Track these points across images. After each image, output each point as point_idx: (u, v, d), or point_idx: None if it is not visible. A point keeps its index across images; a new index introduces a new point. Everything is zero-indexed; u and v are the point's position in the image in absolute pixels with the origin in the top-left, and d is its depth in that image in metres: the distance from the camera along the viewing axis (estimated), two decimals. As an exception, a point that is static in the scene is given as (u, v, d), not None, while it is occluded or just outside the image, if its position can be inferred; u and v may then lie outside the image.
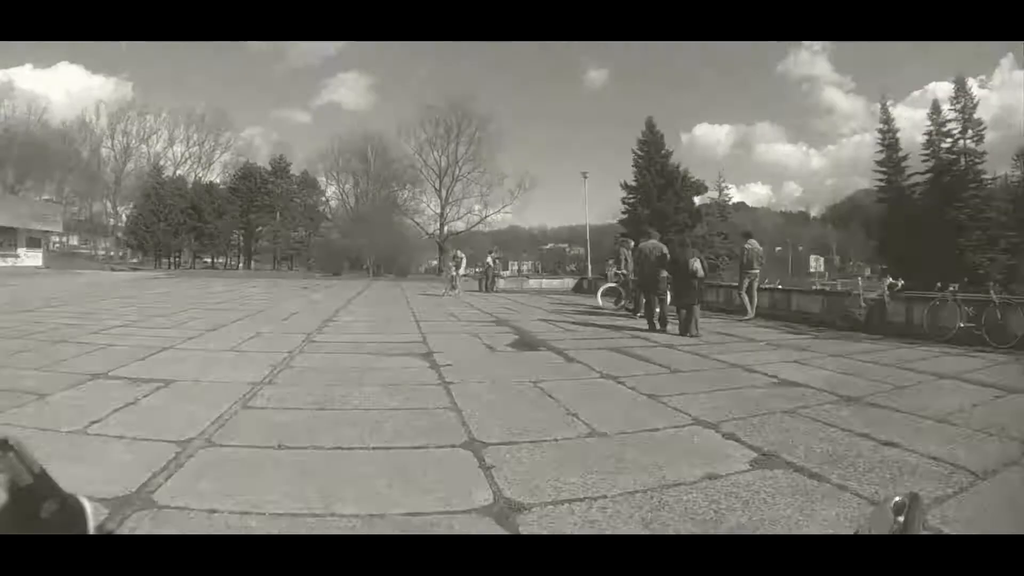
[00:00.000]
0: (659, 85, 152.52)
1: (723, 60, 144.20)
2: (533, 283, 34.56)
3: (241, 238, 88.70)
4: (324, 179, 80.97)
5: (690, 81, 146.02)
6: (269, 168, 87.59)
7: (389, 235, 65.39)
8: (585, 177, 39.92)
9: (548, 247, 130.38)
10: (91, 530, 0.81)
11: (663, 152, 66.58)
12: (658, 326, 13.03)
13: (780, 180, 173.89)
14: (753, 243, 17.12)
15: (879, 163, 61.89)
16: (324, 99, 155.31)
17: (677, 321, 12.64)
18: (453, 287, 25.50)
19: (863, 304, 14.69)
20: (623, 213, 67.67)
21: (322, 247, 74.01)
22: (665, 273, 13.18)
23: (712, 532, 3.08)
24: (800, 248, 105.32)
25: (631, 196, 66.90)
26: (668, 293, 13.49)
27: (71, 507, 0.78)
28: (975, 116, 56.46)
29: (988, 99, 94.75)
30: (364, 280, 49.28)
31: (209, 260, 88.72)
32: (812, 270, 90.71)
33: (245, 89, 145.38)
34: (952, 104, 57.21)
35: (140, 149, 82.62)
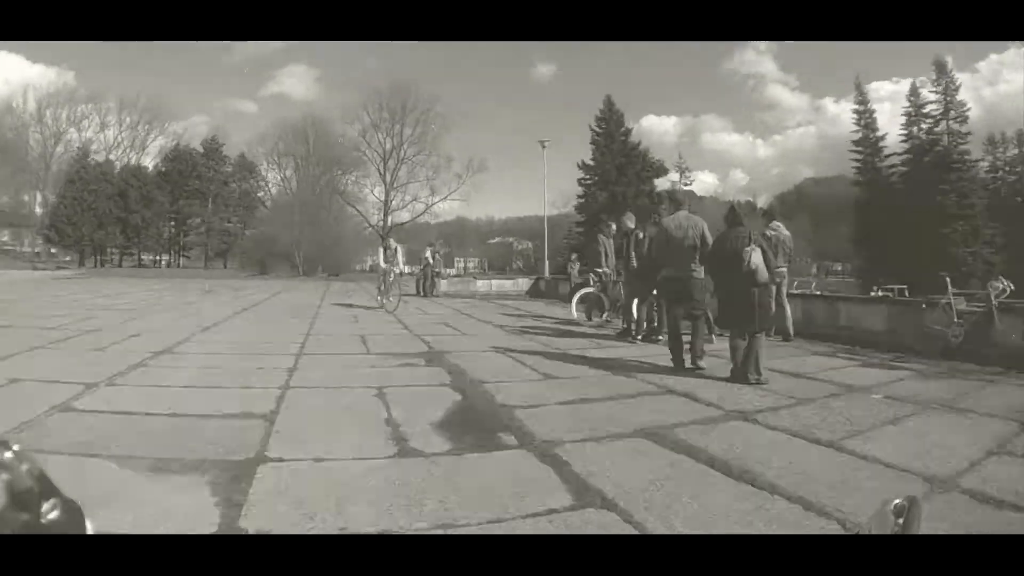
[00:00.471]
0: (606, 80, 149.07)
1: (672, 58, 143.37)
2: (482, 284, 29.47)
3: (171, 230, 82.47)
4: (265, 164, 75.19)
5: (636, 78, 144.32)
6: (201, 150, 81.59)
7: (323, 226, 59.56)
8: (544, 147, 33.68)
9: (495, 241, 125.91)
10: (89, 531, 0.78)
11: (623, 130, 62.05)
12: (688, 363, 8.24)
13: (727, 168, 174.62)
14: (779, 227, 12.40)
15: (856, 143, 59.79)
16: (271, 90, 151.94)
17: (689, 346, 8.34)
18: (387, 293, 17.34)
19: (957, 320, 9.91)
20: (579, 198, 63.07)
21: (249, 241, 68.16)
22: (699, 274, 8.48)
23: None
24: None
25: (588, 177, 62.27)
26: (702, 304, 8.70)
27: (70, 509, 0.76)
28: (958, 98, 53.95)
29: (928, 98, 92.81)
30: (287, 281, 43.97)
31: (134, 256, 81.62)
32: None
33: (192, 80, 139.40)
34: (934, 85, 54.51)
35: (70, 134, 76.17)
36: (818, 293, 14.62)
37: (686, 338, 8.37)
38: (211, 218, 77.75)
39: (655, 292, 10.64)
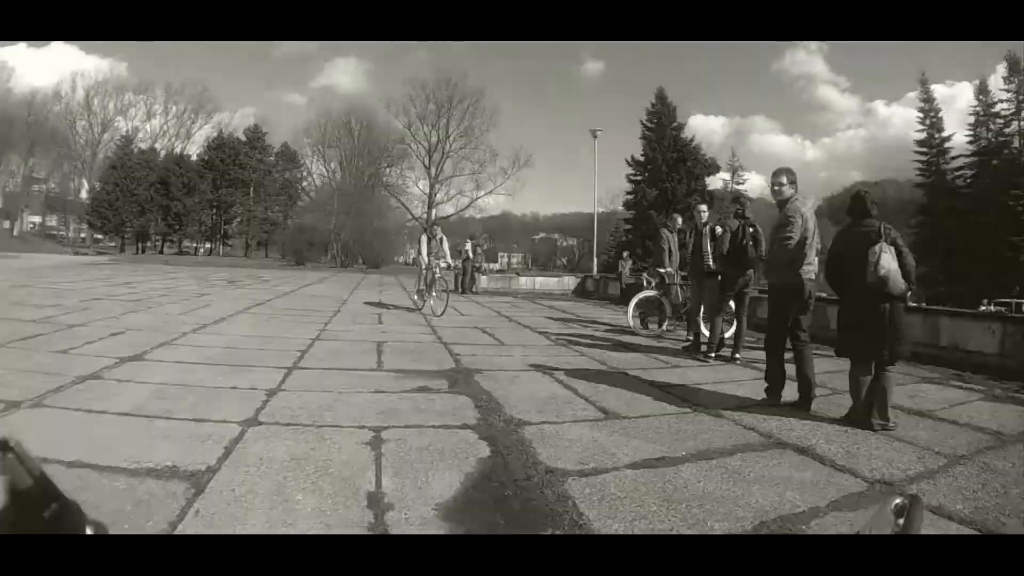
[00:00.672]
0: (654, 78, 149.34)
1: (720, 57, 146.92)
2: (524, 281, 28.12)
3: (213, 218, 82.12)
4: (310, 156, 74.83)
5: (686, 77, 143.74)
6: (244, 139, 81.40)
7: (364, 218, 58.12)
8: (596, 136, 30.90)
9: (539, 237, 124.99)
10: (88, 531, 0.80)
11: (675, 125, 59.45)
12: (799, 400, 6.31)
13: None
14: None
15: (919, 143, 56.27)
16: (320, 82, 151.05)
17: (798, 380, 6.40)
18: (429, 292, 14.34)
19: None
20: (628, 194, 60.78)
21: (288, 230, 67.18)
22: (805, 284, 6.56)
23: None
24: None
25: (637, 173, 59.96)
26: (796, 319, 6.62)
27: (70, 509, 0.77)
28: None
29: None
30: (323, 271, 42.45)
31: (175, 243, 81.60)
32: (807, 265, 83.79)
33: (241, 73, 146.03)
34: (1006, 83, 51.20)
35: (118, 123, 78.48)
36: (914, 305, 12.45)
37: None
38: (252, 207, 77.27)
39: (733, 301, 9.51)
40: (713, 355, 9.19)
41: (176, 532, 2.97)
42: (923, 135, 56.70)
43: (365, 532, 3.04)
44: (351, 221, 57.45)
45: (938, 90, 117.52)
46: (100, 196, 73.45)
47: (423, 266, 14.53)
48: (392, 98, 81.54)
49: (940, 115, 56.38)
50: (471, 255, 23.85)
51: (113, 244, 76.83)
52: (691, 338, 10.54)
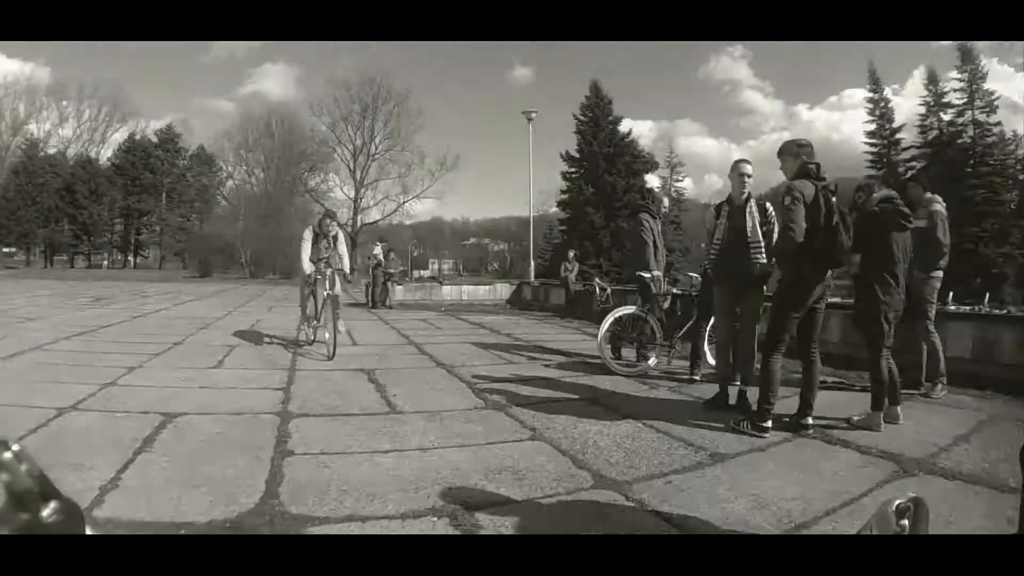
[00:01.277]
0: (584, 84, 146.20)
1: (648, 62, 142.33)
2: (449, 291, 23.28)
3: (124, 228, 76.75)
4: (232, 160, 68.54)
5: (615, 82, 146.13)
6: (156, 141, 75.83)
7: (281, 225, 53.05)
8: (530, 120, 26.12)
9: (470, 242, 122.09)
10: (88, 531, 0.80)
11: (611, 118, 55.48)
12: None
13: (701, 172, 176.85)
14: (938, 202, 7.06)
15: (869, 134, 53.78)
16: (248, 88, 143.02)
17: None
18: (317, 319, 9.70)
19: None
20: (563, 193, 56.61)
21: (194, 239, 62.06)
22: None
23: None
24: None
25: (573, 170, 55.91)
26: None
27: (69, 509, 0.76)
28: (985, 86, 48.74)
29: (901, 106, 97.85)
30: (226, 283, 37.59)
31: (87, 255, 75.31)
32: None
33: (168, 80, 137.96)
34: (959, 71, 49.17)
35: (28, 127, 70.87)
36: (975, 310, 8.62)
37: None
38: (165, 214, 71.93)
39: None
40: (769, 423, 5.13)
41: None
42: (873, 126, 54.12)
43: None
44: (261, 228, 52.43)
45: (860, 94, 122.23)
46: (1, 204, 66.44)
47: (305, 279, 9.82)
48: (316, 99, 77.08)
49: (890, 105, 54.00)
50: (382, 260, 19.39)
51: (22, 257, 72.01)
52: (696, 378, 7.47)
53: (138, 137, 76.27)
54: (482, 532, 3.26)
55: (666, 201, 9.31)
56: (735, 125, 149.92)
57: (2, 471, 0.70)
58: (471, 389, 6.70)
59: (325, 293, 9.23)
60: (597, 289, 16.59)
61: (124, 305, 17.57)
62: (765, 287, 6.04)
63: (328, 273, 9.39)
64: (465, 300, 22.26)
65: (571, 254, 20.03)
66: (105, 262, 75.29)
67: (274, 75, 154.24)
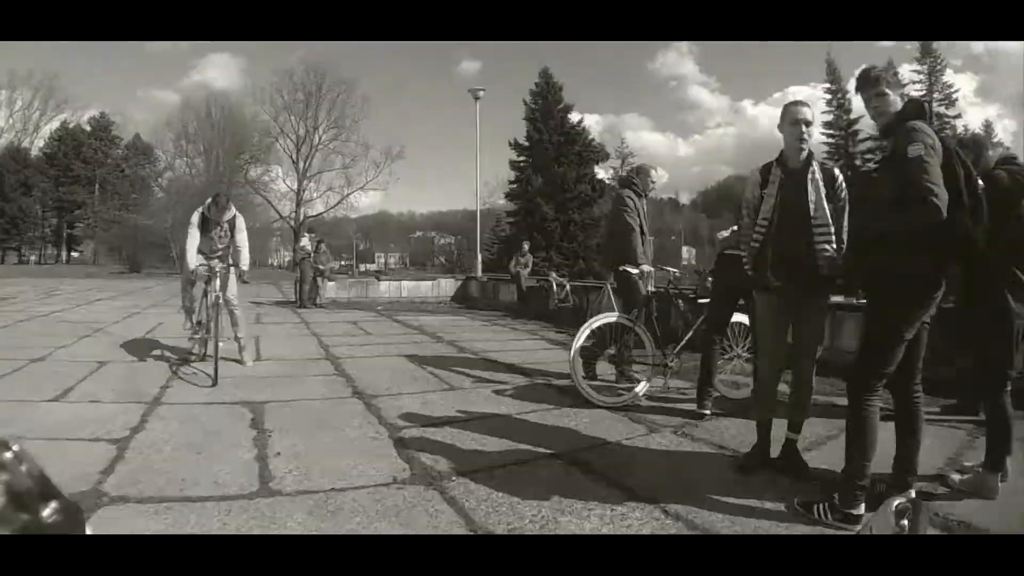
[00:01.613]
0: (531, 79, 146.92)
1: (595, 57, 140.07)
2: (387, 288, 20.57)
3: (55, 222, 72.69)
4: (172, 150, 64.88)
5: (562, 75, 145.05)
6: (88, 129, 71.63)
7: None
8: (477, 99, 23.70)
9: (416, 235, 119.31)
10: (88, 531, 0.81)
11: (561, 106, 53.30)
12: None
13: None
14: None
15: (827, 124, 53.29)
16: (193, 79, 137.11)
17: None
18: (208, 328, 7.45)
19: None
20: (511, 183, 54.29)
21: (121, 232, 57.04)
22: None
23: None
24: (673, 238, 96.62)
25: (522, 159, 53.58)
26: None
27: (69, 509, 0.78)
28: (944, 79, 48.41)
29: (853, 101, 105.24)
30: (153, 280, 34.59)
31: (16, 250, 71.53)
32: (684, 261, 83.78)
33: (112, 71, 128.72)
34: (919, 63, 48.73)
35: None
36: None
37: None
38: (98, 207, 67.11)
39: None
40: (862, 507, 3.33)
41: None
42: (830, 116, 53.42)
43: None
44: (184, 216, 48.19)
45: (805, 91, 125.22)
46: None
47: (188, 276, 7.82)
48: (258, 87, 74.17)
49: (848, 95, 53.09)
50: (310, 253, 17.09)
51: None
52: (705, 412, 5.58)
53: (71, 126, 72.27)
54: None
55: (655, 174, 7.30)
56: (681, 120, 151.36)
57: (2, 471, 0.71)
58: (393, 440, 4.59)
59: (214, 295, 7.07)
60: (554, 285, 14.60)
61: (20, 306, 15.03)
62: (831, 290, 4.07)
63: (219, 270, 7.24)
64: (405, 297, 19.91)
65: (525, 246, 17.91)
66: (33, 257, 71.61)
67: (219, 65, 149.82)
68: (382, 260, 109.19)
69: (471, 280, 20.60)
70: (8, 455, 0.73)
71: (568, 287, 14.10)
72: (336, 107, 64.55)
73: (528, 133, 52.96)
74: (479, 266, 21.57)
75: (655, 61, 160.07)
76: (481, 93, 23.82)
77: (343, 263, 16.30)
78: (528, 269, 16.89)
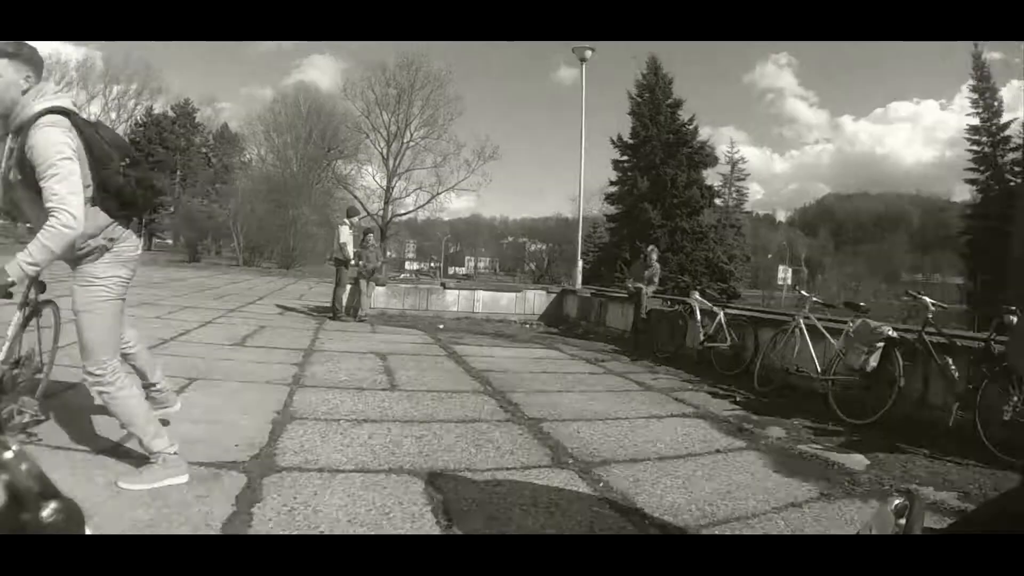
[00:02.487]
0: (628, 87, 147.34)
1: (693, 68, 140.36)
2: (455, 299, 15.21)
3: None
4: (264, 143, 65.37)
5: None
6: (172, 115, 71.15)
7: (280, 205, 47.17)
8: (583, 60, 18.43)
9: (508, 241, 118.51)
10: (88, 531, 0.81)
11: (670, 101, 47.48)
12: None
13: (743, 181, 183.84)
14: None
15: (971, 128, 45.63)
16: (295, 78, 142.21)
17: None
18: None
19: None
20: (612, 184, 48.78)
21: (179, 217, 56.00)
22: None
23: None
24: (770, 255, 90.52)
25: (626, 158, 48.00)
26: None
27: (69, 509, 0.77)
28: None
29: (948, 121, 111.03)
30: (202, 271, 31.64)
31: None
32: (780, 282, 79.22)
33: (217, 72, 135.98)
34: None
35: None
36: None
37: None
38: (180, 195, 65.76)
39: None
40: None
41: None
42: (976, 120, 45.95)
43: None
44: (259, 207, 46.32)
45: (905, 107, 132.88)
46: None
47: None
48: (350, 82, 73.75)
49: (999, 95, 45.84)
50: (346, 247, 12.53)
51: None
52: None
53: (155, 111, 72.13)
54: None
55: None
56: (778, 134, 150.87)
57: (2, 471, 0.70)
58: None
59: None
60: (697, 312, 9.62)
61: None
62: None
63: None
64: (480, 313, 14.93)
65: (652, 254, 12.43)
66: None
67: (320, 66, 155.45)
68: (472, 264, 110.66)
69: (568, 295, 15.39)
70: (8, 455, 0.72)
71: (723, 318, 9.11)
72: (429, 104, 62.78)
73: (633, 129, 47.43)
74: (579, 276, 16.32)
75: (752, 72, 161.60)
76: (588, 53, 18.63)
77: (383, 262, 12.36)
78: (653, 286, 11.84)
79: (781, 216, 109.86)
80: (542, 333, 12.92)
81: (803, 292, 8.44)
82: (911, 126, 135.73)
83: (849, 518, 3.55)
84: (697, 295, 9.95)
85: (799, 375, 7.38)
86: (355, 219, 12.94)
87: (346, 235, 12.45)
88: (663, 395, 6.98)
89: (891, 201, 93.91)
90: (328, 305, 12.76)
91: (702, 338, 9.36)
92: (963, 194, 51.66)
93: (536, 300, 15.35)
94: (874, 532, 1.01)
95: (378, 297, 13.78)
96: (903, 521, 0.98)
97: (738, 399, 7.13)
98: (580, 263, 16.85)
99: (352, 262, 12.55)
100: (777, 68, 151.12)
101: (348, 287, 12.80)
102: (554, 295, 15.61)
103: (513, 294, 15.42)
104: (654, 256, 12.10)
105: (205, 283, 21.16)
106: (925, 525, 0.97)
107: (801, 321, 7.64)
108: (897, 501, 1.00)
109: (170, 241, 67.22)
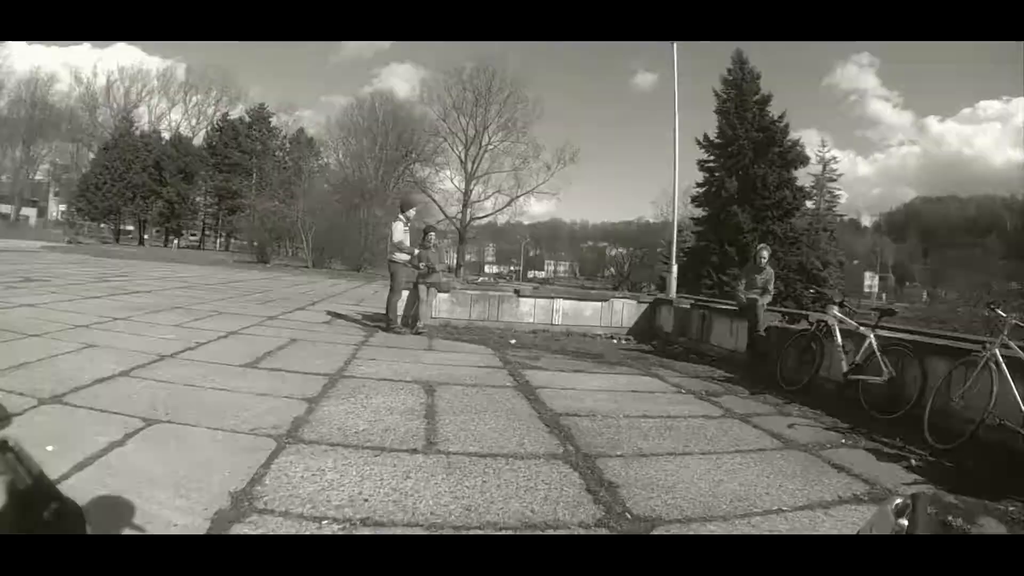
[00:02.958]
0: (706, 88, 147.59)
1: (773, 70, 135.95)
2: (531, 308, 13.01)
3: (215, 208, 75.51)
4: (343, 147, 65.92)
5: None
6: (247, 119, 74.75)
7: (361, 213, 46.35)
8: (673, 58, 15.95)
9: (587, 245, 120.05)
10: (88, 531, 0.81)
11: (758, 96, 45.05)
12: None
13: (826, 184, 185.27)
14: None
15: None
16: (376, 86, 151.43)
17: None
18: None
19: None
20: (698, 186, 46.50)
21: (251, 217, 56.43)
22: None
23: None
24: (855, 262, 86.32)
25: (711, 158, 45.72)
26: None
27: (68, 509, 0.77)
28: None
29: None
30: (269, 272, 30.93)
31: (176, 233, 73.75)
32: (867, 289, 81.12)
33: (301, 78, 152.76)
34: None
35: (139, 113, 74.21)
36: None
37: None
38: (255, 196, 66.44)
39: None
40: None
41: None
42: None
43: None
44: (327, 209, 46.13)
45: (994, 106, 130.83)
46: (88, 179, 66.48)
47: None
48: (427, 86, 74.51)
49: None
50: (403, 245, 10.78)
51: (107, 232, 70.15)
52: None
53: (231, 116, 76.02)
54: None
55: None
56: (861, 136, 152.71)
57: (2, 471, 0.69)
58: None
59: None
60: (836, 335, 7.54)
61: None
62: None
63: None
64: (559, 326, 12.82)
65: (764, 253, 10.32)
66: (177, 241, 73.13)
67: (400, 74, 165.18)
68: (551, 268, 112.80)
69: (662, 305, 13.24)
70: (8, 455, 0.70)
71: (874, 342, 6.96)
72: (506, 107, 63.19)
73: (720, 128, 45.02)
74: (674, 284, 14.11)
75: (833, 74, 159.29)
76: (675, 47, 16.22)
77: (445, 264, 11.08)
78: (768, 296, 9.70)
79: (866, 221, 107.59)
80: (634, 352, 10.84)
81: (999, 311, 6.11)
82: (1001, 125, 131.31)
83: None
84: (836, 310, 7.77)
85: (1000, 429, 5.26)
86: (410, 212, 11.05)
87: (400, 232, 10.63)
88: (811, 456, 4.95)
89: (983, 204, 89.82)
90: (384, 313, 11.00)
91: (845, 368, 7.22)
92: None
93: (625, 311, 13.22)
94: (875, 532, 0.94)
95: (441, 306, 12.02)
96: (904, 521, 0.90)
97: (914, 462, 5.08)
98: (675, 269, 14.68)
99: (409, 263, 10.76)
100: (858, 68, 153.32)
101: (405, 293, 11.05)
102: (645, 305, 13.40)
103: (598, 303, 13.26)
104: (766, 256, 9.95)
105: (263, 286, 19.91)
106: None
107: (998, 352, 5.48)
108: (898, 501, 0.93)
109: (246, 243, 68.30)
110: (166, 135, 73.32)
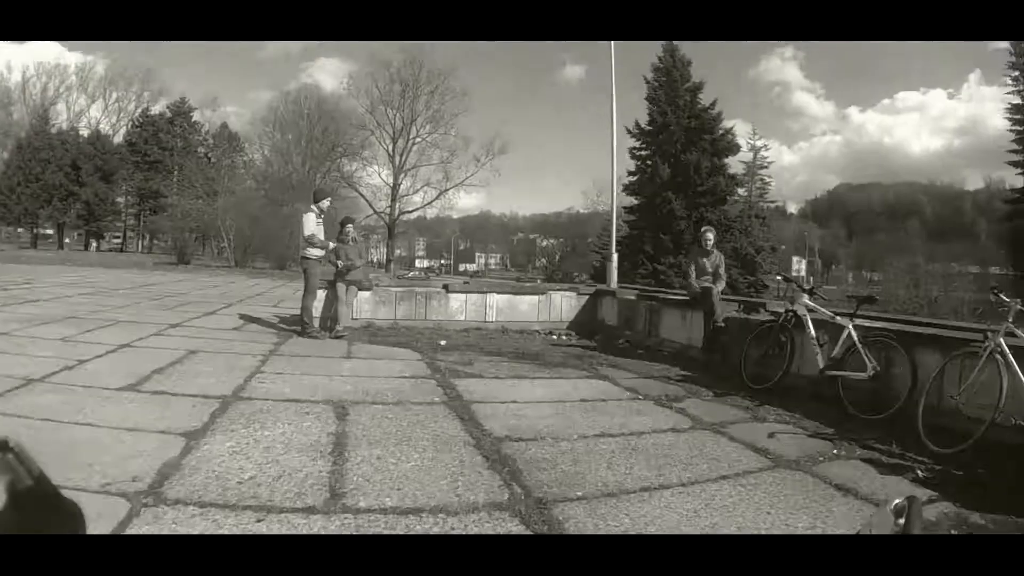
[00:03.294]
0: (634, 81, 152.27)
1: (699, 64, 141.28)
2: (463, 303, 11.87)
3: (134, 208, 72.85)
4: (269, 143, 64.13)
5: None
6: (168, 114, 72.20)
7: (273, 204, 45.57)
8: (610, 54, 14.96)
9: (518, 237, 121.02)
10: (88, 532, 0.80)
11: (689, 84, 44.87)
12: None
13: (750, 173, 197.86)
14: None
15: (1013, 107, 43.25)
16: (302, 81, 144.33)
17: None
18: None
19: None
20: (630, 175, 45.89)
21: (169, 217, 53.85)
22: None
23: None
24: (783, 247, 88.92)
25: (643, 145, 45.40)
26: None
27: (69, 509, 0.77)
28: None
29: (956, 110, 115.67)
30: (181, 273, 29.15)
31: (94, 240, 70.31)
32: (795, 272, 79.82)
33: (226, 73, 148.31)
34: None
35: (56, 111, 70.25)
36: None
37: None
38: (177, 196, 64.33)
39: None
40: None
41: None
42: (1018, 98, 43.65)
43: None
44: (251, 205, 44.66)
45: (912, 97, 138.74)
46: (0, 181, 63.02)
47: None
48: (354, 76, 74.06)
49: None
50: (314, 239, 9.76)
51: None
52: None
53: (152, 112, 72.98)
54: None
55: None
56: (786, 127, 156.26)
57: (2, 471, 0.69)
58: None
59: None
60: (809, 323, 6.73)
61: None
62: None
63: None
64: (493, 323, 11.82)
65: (709, 236, 9.39)
66: (97, 244, 70.19)
67: (328, 69, 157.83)
68: (482, 260, 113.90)
69: (604, 297, 12.39)
70: (8, 455, 0.69)
71: (854, 333, 6.15)
72: (434, 99, 62.19)
73: (651, 115, 44.80)
74: (614, 274, 13.20)
75: (757, 67, 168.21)
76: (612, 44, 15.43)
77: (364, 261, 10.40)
78: (722, 282, 8.86)
79: (792, 208, 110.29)
80: (576, 349, 9.86)
81: (1003, 297, 5.32)
82: (919, 116, 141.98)
83: None
84: (806, 299, 6.93)
85: (1017, 431, 4.50)
86: (324, 203, 9.93)
87: (312, 224, 9.47)
88: (807, 476, 4.14)
89: (902, 191, 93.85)
90: (297, 315, 9.85)
91: (822, 364, 6.39)
92: (976, 182, 51.17)
93: (564, 304, 12.23)
94: (874, 532, 0.90)
95: (363, 305, 10.89)
96: (903, 521, 0.87)
97: (920, 473, 4.32)
98: (615, 257, 13.78)
99: (325, 259, 9.67)
100: (782, 62, 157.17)
101: (321, 293, 9.92)
102: (586, 297, 12.41)
103: (535, 297, 12.22)
104: (711, 239, 9.17)
105: (178, 288, 18.41)
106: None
107: (1002, 341, 4.69)
108: (897, 501, 0.90)
109: (168, 244, 66.32)
110: (85, 132, 69.88)
